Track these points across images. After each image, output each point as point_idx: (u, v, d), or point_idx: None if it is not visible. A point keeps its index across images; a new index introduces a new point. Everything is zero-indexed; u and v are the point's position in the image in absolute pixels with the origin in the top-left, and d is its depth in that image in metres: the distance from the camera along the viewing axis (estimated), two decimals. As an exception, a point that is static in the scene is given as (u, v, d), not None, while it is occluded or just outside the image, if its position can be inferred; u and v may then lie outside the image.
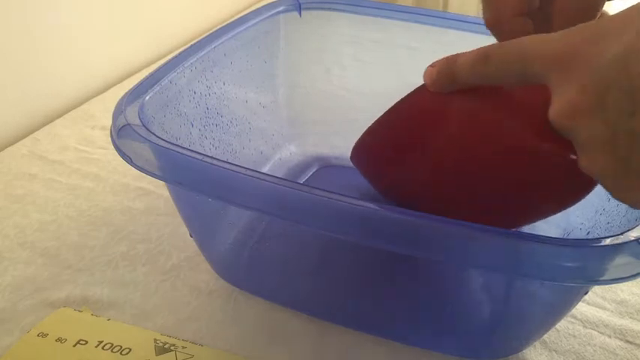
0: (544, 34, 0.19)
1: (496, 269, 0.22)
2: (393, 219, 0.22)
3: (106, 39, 0.60)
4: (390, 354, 0.31)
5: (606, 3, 0.23)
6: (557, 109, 0.18)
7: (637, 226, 0.21)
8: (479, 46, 0.22)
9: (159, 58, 0.67)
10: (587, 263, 0.20)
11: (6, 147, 0.49)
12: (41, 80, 0.54)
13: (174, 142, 0.25)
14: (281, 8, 0.41)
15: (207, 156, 0.25)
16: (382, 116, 0.27)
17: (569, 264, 0.20)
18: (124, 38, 0.63)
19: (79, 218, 0.40)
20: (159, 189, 0.43)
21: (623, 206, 0.27)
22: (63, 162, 0.47)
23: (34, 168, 0.46)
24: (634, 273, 0.20)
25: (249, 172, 0.24)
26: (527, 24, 0.23)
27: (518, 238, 0.21)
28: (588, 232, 0.30)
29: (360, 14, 0.41)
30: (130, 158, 0.25)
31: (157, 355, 0.29)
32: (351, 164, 0.46)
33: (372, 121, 0.28)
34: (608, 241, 0.20)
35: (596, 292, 0.35)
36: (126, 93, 0.29)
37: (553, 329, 0.32)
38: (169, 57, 0.34)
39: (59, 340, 0.30)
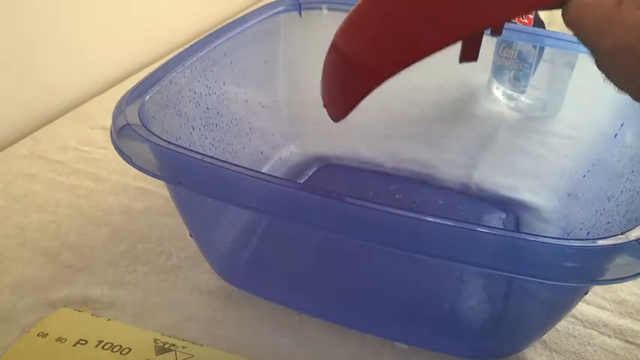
0: None
1: (496, 269, 0.21)
2: (393, 219, 0.22)
3: (106, 39, 0.60)
4: (391, 354, 0.31)
5: None
6: None
7: (637, 226, 0.21)
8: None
9: (159, 58, 0.67)
10: (587, 263, 0.20)
11: (6, 147, 0.49)
12: (41, 80, 0.54)
13: (175, 142, 0.25)
14: (281, 8, 0.41)
15: (207, 156, 0.25)
16: None
17: (569, 264, 0.20)
18: (124, 38, 0.63)
19: (79, 218, 0.40)
20: (159, 189, 0.43)
21: (623, 206, 0.27)
22: (63, 162, 0.47)
23: (34, 168, 0.46)
24: (634, 273, 0.20)
25: (249, 172, 0.24)
26: None
27: (518, 238, 0.21)
28: (588, 232, 0.30)
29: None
30: (130, 158, 0.25)
31: (156, 355, 0.29)
32: (351, 164, 0.46)
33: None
34: (608, 241, 0.20)
35: (596, 292, 0.35)
36: (126, 93, 0.29)
37: (553, 329, 0.32)
38: (169, 57, 0.34)
39: (59, 340, 0.30)
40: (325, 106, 0.24)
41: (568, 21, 0.18)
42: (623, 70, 0.18)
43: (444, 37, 0.20)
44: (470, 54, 0.22)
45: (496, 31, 0.21)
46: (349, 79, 0.23)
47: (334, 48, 0.23)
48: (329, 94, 0.24)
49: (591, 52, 0.18)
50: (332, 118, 0.25)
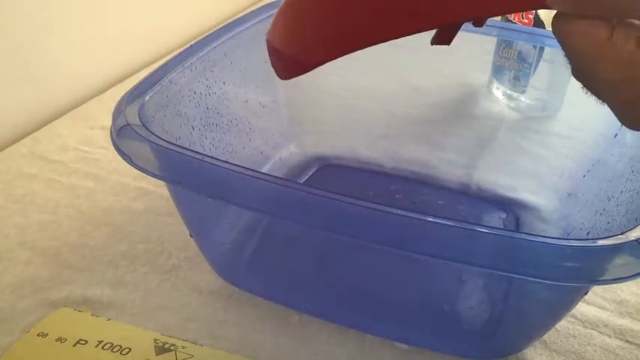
0: None
1: (495, 269, 0.21)
2: (392, 219, 0.22)
3: (105, 39, 0.60)
4: (391, 354, 0.31)
5: None
6: None
7: (637, 226, 0.21)
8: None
9: (159, 58, 0.67)
10: (587, 263, 0.20)
11: (6, 147, 0.49)
12: (41, 80, 0.54)
13: (174, 142, 0.25)
14: (281, 8, 0.41)
15: (207, 156, 0.25)
16: None
17: (569, 264, 0.20)
18: (124, 38, 0.63)
19: (79, 218, 0.40)
20: (159, 189, 0.43)
21: (623, 206, 0.27)
22: (63, 162, 0.47)
23: (34, 168, 0.46)
24: (634, 273, 0.20)
25: (249, 172, 0.24)
26: None
27: (518, 238, 0.21)
28: (588, 232, 0.30)
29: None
30: (130, 158, 0.25)
31: (156, 355, 0.29)
32: (351, 164, 0.46)
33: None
34: (608, 241, 0.20)
35: (596, 291, 0.35)
36: (126, 93, 0.29)
37: (553, 329, 0.32)
38: (169, 57, 0.34)
39: (59, 340, 0.30)
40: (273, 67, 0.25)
41: (557, 35, 0.18)
42: (617, 98, 0.17)
43: (364, 38, 0.20)
44: (444, 39, 0.22)
45: (478, 23, 0.20)
46: (282, 63, 0.24)
47: (266, 39, 0.24)
48: (272, 63, 0.25)
49: (568, 60, 0.18)
50: (279, 77, 0.25)
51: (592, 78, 0.18)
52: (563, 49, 0.18)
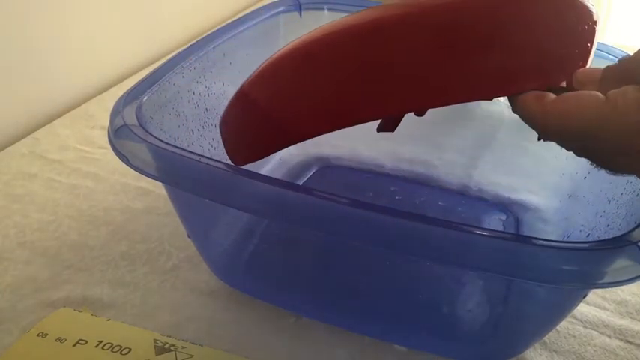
0: None
1: (495, 272, 0.21)
2: (392, 221, 0.22)
3: (105, 39, 0.60)
4: (391, 354, 0.31)
5: None
6: None
7: (636, 228, 0.21)
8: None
9: (159, 58, 0.67)
10: (587, 266, 0.20)
11: (6, 147, 0.49)
12: (41, 80, 0.54)
13: (173, 142, 0.25)
14: (281, 8, 0.41)
15: (204, 157, 0.24)
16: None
17: (569, 267, 0.20)
18: (123, 38, 0.63)
19: (79, 218, 0.41)
20: (159, 189, 0.43)
21: (623, 208, 0.27)
22: (63, 162, 0.47)
23: (34, 168, 0.46)
24: (633, 276, 0.19)
25: (246, 174, 0.24)
26: None
27: (517, 241, 0.21)
28: (588, 235, 0.30)
29: (360, 14, 0.41)
30: (127, 158, 0.25)
31: (156, 355, 0.29)
32: (351, 165, 0.46)
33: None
34: (607, 244, 0.20)
35: (596, 292, 0.35)
36: (124, 93, 0.29)
37: (553, 329, 0.32)
38: (169, 57, 0.34)
39: (59, 339, 0.30)
40: (227, 151, 0.24)
41: (543, 120, 0.19)
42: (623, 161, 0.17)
43: (373, 112, 0.21)
44: (389, 127, 0.24)
45: (419, 114, 0.23)
46: (262, 134, 0.23)
47: (247, 98, 0.23)
48: (234, 142, 0.24)
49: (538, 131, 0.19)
50: (234, 163, 0.24)
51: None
52: (561, 136, 0.19)
